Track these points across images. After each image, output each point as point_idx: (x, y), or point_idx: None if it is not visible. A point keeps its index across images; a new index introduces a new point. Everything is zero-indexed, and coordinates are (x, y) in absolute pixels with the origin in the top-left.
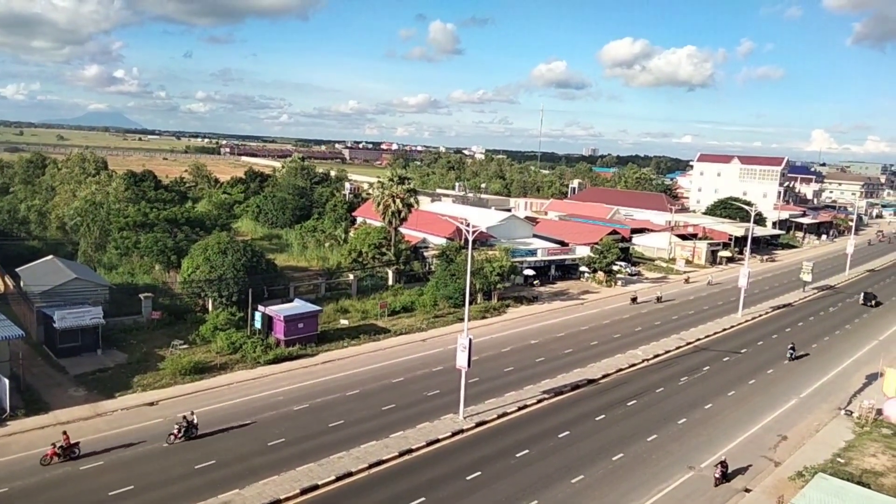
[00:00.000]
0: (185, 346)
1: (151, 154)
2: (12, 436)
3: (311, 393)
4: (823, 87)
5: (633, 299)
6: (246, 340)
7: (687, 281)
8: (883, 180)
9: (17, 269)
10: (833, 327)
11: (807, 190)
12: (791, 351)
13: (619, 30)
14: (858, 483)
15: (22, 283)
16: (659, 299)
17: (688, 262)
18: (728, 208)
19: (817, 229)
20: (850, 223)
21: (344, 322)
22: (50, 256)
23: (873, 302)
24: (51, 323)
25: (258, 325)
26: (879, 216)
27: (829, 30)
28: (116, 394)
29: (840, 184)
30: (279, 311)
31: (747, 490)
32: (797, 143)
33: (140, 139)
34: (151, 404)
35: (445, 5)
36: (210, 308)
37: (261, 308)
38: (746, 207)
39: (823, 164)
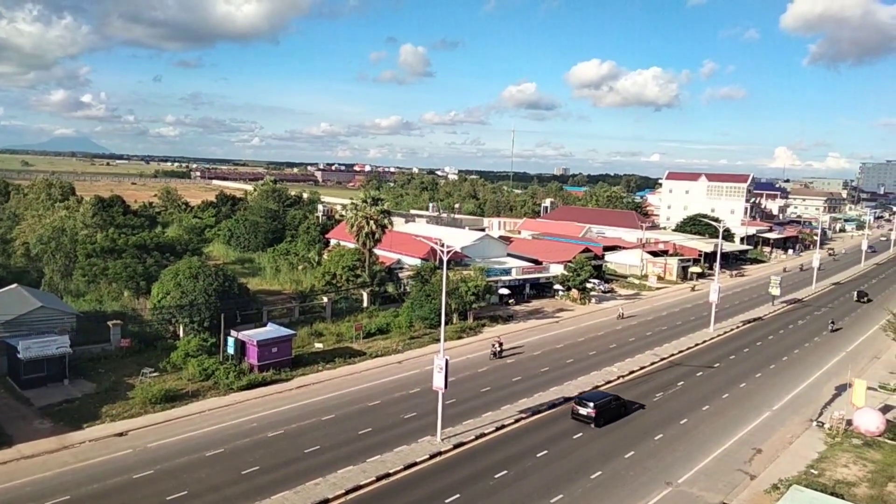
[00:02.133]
0: (155, 374)
1: (120, 179)
2: None
3: (286, 419)
4: (784, 106)
5: (496, 353)
6: (218, 366)
7: (693, 289)
8: (844, 195)
9: None
10: (802, 340)
11: (772, 206)
12: (831, 324)
13: (586, 52)
14: (832, 494)
15: None
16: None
17: (659, 279)
18: (697, 225)
19: (784, 244)
20: (815, 238)
21: (318, 346)
22: (14, 285)
23: (865, 299)
24: (15, 353)
25: (231, 350)
26: (843, 230)
27: (787, 51)
28: (84, 425)
29: (804, 199)
30: (252, 335)
31: None
32: (761, 159)
33: (108, 164)
34: (121, 434)
35: (415, 28)
36: (181, 334)
37: (233, 333)
38: (715, 224)
39: (787, 181)
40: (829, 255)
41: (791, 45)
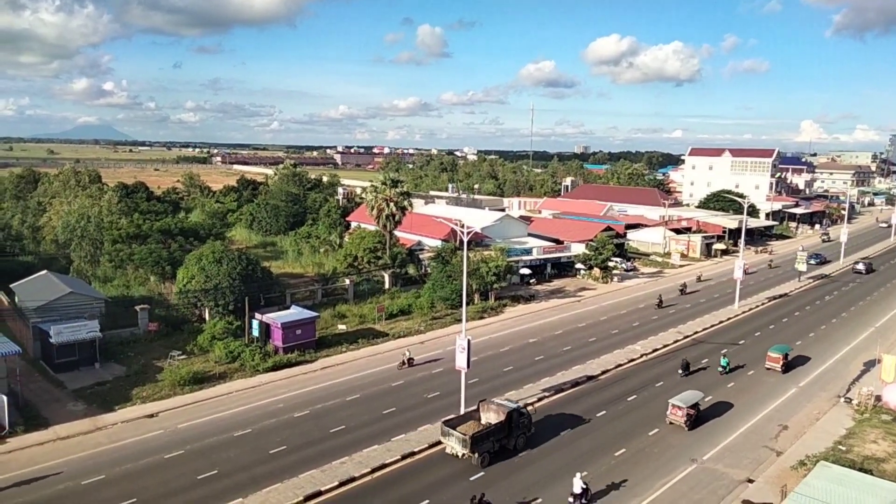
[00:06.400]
0: (183, 357)
1: (142, 165)
2: (12, 452)
3: (312, 399)
4: (809, 79)
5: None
6: (244, 349)
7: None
8: (873, 168)
9: (11, 286)
10: (830, 315)
11: (798, 180)
12: None
13: (604, 27)
14: (860, 470)
15: (17, 300)
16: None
17: (683, 256)
18: (721, 201)
19: (810, 219)
20: (843, 212)
21: (342, 327)
22: (44, 271)
23: None
24: (47, 338)
25: (256, 333)
26: (871, 204)
27: (810, 22)
28: (116, 407)
29: (831, 173)
30: (276, 318)
31: (750, 481)
32: (787, 133)
33: (131, 151)
34: (151, 416)
35: (432, 9)
36: (207, 318)
37: (258, 316)
38: (739, 200)
39: (814, 154)
40: (823, 240)
41: (814, 16)
